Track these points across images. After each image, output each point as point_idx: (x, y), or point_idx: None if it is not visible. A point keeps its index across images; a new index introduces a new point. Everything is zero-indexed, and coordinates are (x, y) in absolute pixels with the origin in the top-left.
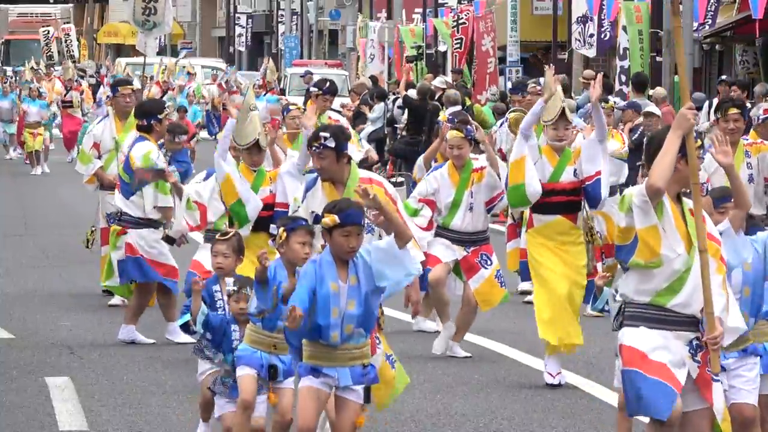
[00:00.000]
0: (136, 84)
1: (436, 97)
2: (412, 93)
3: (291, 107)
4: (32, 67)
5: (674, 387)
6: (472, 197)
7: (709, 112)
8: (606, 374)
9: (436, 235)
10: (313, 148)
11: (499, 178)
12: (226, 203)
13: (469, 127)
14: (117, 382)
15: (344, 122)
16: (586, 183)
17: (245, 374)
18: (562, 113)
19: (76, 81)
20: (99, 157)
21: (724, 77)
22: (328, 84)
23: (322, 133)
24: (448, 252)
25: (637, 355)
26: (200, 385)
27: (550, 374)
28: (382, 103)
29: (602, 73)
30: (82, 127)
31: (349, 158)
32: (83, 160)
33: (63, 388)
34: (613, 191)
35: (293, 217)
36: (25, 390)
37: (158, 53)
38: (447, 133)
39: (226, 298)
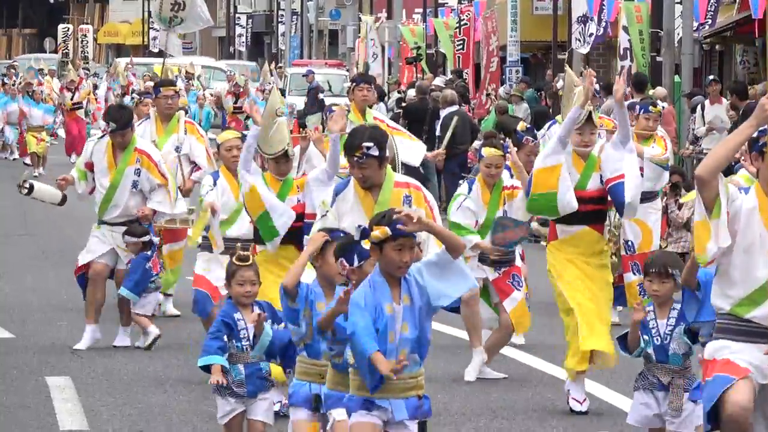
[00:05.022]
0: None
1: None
2: (411, 92)
3: (333, 108)
4: (30, 67)
5: (734, 374)
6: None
7: (703, 114)
8: (605, 374)
9: (465, 256)
10: (356, 159)
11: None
12: (252, 216)
13: (505, 143)
14: (117, 382)
15: (391, 123)
16: (608, 186)
17: (298, 420)
18: (589, 117)
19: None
20: None
21: (712, 77)
22: (358, 74)
23: (365, 143)
24: (476, 273)
25: (708, 365)
26: (223, 428)
27: (576, 401)
28: (381, 103)
29: (589, 69)
30: (86, 129)
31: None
32: None
33: (63, 388)
34: (653, 196)
35: (330, 228)
36: (26, 390)
37: (158, 54)
38: (483, 150)
39: (250, 325)
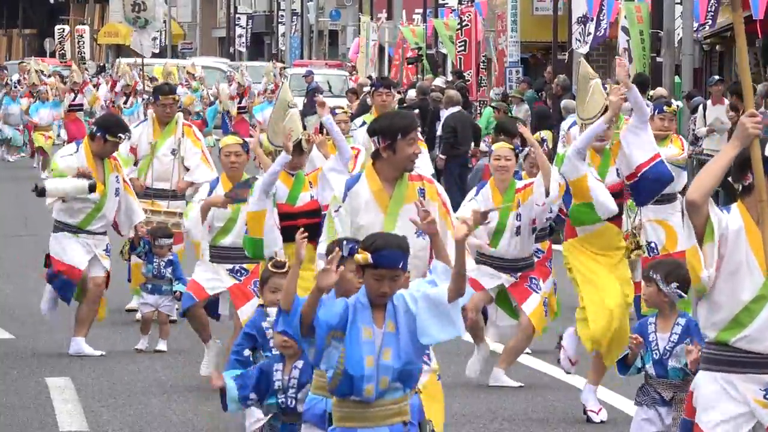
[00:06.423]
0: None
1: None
2: (412, 93)
3: (337, 110)
4: (33, 69)
5: None
6: (519, 220)
7: (705, 114)
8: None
9: (479, 262)
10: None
11: (547, 194)
12: (248, 232)
13: (517, 141)
14: (117, 382)
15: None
16: (644, 170)
17: None
18: (604, 112)
19: (90, 79)
20: (136, 163)
21: (716, 77)
22: (378, 78)
23: (413, 112)
24: (492, 279)
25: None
26: None
27: (593, 411)
28: None
29: (622, 61)
30: (87, 131)
31: None
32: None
33: (63, 389)
34: (672, 197)
35: (342, 239)
36: (26, 390)
37: (158, 55)
38: (493, 145)
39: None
